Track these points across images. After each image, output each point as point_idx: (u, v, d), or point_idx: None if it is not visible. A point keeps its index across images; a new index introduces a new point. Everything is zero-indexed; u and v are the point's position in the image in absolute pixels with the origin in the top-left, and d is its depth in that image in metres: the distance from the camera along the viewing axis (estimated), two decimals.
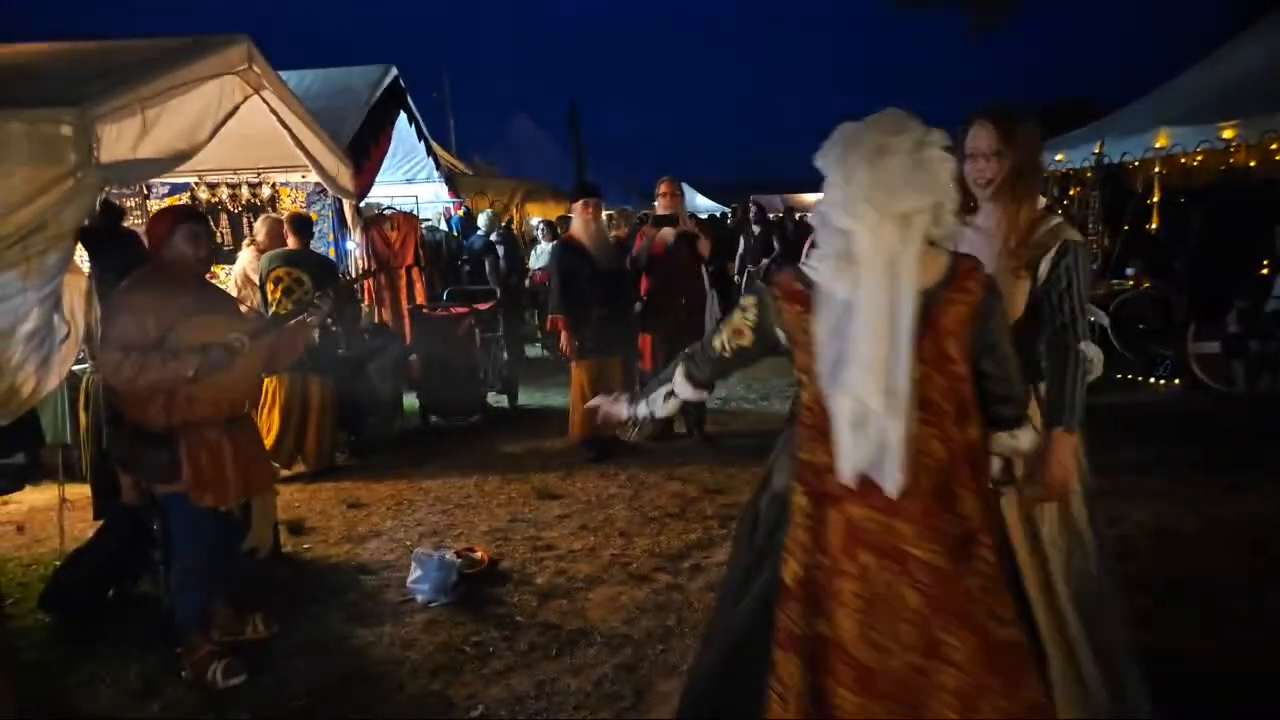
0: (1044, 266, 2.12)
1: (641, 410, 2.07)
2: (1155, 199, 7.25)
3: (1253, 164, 7.03)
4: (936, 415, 1.64)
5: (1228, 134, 6.61)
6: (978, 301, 1.64)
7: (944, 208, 1.65)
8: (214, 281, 3.91)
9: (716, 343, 1.93)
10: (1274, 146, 6.73)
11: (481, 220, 9.79)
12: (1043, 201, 2.22)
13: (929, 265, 1.64)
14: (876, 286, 1.58)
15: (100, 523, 3.83)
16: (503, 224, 10.19)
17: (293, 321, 3.37)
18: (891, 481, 1.60)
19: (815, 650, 1.66)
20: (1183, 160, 7.05)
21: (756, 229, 12.23)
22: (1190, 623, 3.04)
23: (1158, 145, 6.96)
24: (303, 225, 5.47)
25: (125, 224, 6.16)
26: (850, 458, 1.62)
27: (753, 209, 13.33)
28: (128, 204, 6.57)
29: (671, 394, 2.03)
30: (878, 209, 1.58)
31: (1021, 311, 2.14)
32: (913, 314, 1.58)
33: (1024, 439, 1.79)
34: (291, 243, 5.38)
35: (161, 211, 3.35)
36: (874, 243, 1.59)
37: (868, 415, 1.58)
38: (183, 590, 3.04)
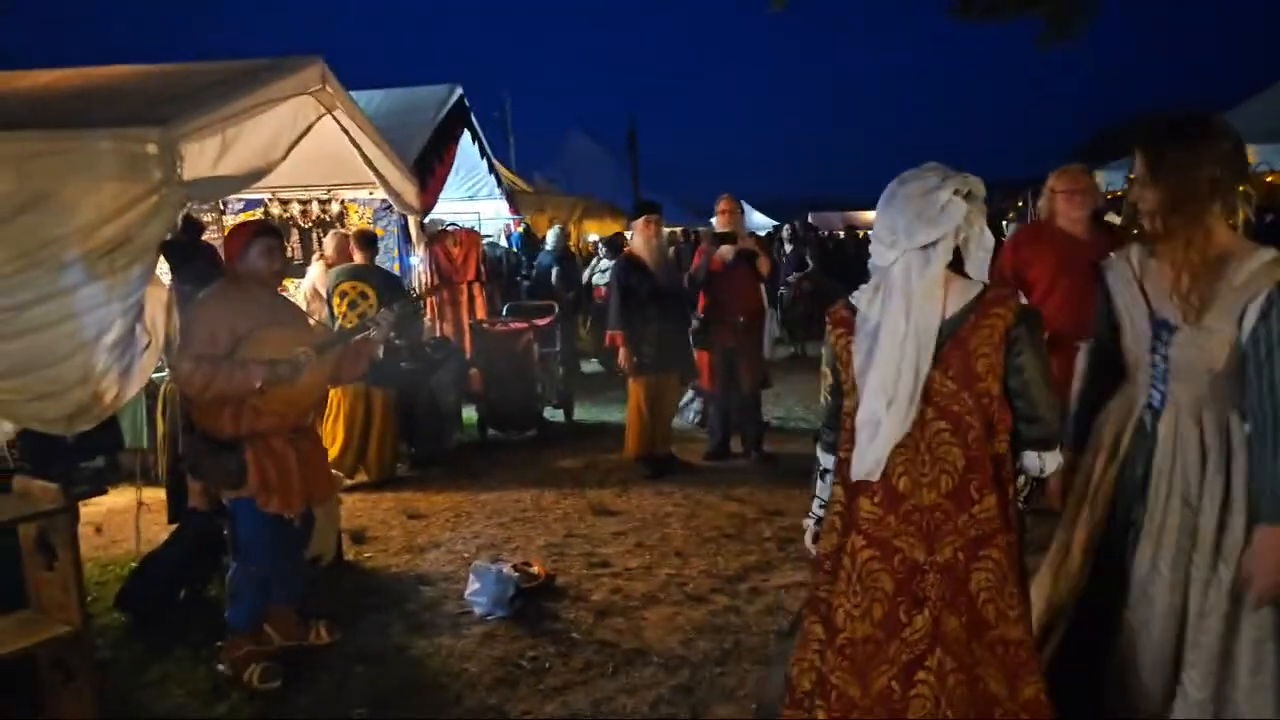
0: (1251, 317, 1.79)
1: (817, 513, 2.13)
2: (1240, 219, 6.95)
3: None
4: (959, 428, 1.81)
5: None
6: (1006, 326, 1.79)
7: (966, 242, 1.84)
8: (285, 294, 4.01)
9: (821, 398, 2.12)
10: None
11: (550, 237, 9.92)
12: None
13: (958, 293, 1.83)
14: (897, 310, 1.80)
15: (174, 526, 3.96)
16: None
17: (357, 337, 3.45)
18: (863, 470, 1.84)
19: (828, 615, 1.90)
20: (1269, 179, 6.76)
21: (789, 246, 12.11)
22: None
23: None
24: (368, 241, 5.61)
25: (204, 238, 6.41)
26: (859, 458, 1.85)
27: (786, 228, 13.22)
28: (205, 219, 6.83)
29: (826, 471, 2.10)
30: (894, 245, 1.82)
31: (1222, 366, 1.86)
32: (923, 333, 1.78)
33: (1049, 461, 1.88)
34: (358, 258, 5.52)
35: (238, 226, 3.46)
36: (899, 273, 1.81)
37: (878, 421, 1.80)
38: (240, 591, 3.11)
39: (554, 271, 9.09)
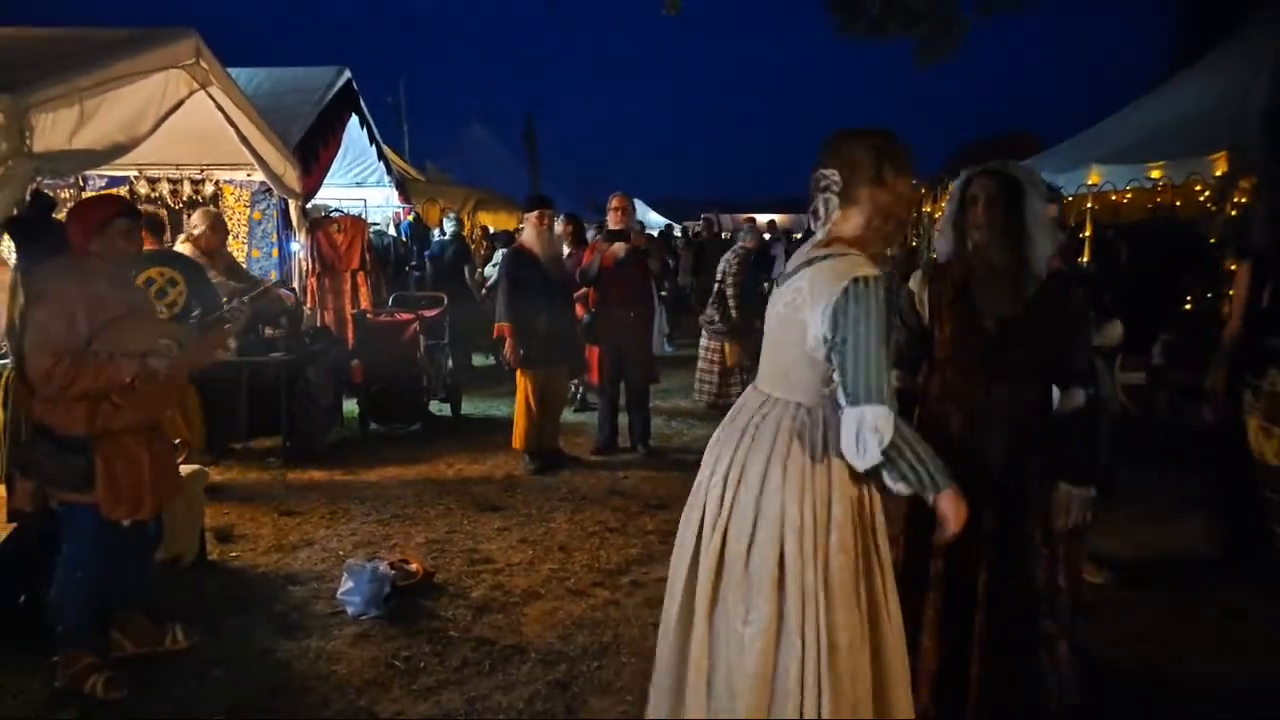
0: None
1: None
2: (1087, 233, 7.51)
3: (1178, 204, 7.32)
4: None
5: (1155, 174, 6.89)
6: None
7: None
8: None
9: None
10: (1198, 188, 7.04)
11: (450, 226, 9.82)
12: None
13: None
14: None
15: (12, 525, 3.66)
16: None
17: (213, 327, 3.27)
18: None
19: None
20: (1113, 197, 7.31)
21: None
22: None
23: (1089, 182, 7.23)
24: (157, 225, 5.29)
25: (58, 216, 5.93)
26: None
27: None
28: (62, 195, 6.34)
29: None
30: None
31: None
32: None
33: None
34: (150, 243, 5.16)
35: (97, 199, 3.12)
36: None
37: None
38: (72, 602, 2.86)
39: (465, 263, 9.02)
